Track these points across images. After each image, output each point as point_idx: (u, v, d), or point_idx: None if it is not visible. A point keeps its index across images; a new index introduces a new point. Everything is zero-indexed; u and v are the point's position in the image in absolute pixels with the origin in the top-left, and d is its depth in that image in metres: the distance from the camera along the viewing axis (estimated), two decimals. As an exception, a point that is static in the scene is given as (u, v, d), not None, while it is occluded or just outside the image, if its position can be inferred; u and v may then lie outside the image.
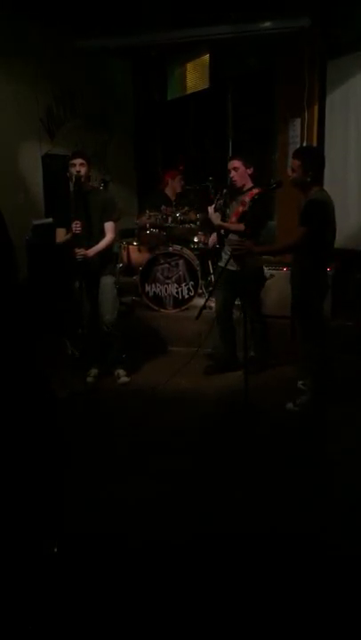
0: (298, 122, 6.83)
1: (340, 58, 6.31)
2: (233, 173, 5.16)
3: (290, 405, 4.63)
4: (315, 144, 6.50)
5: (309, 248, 4.35)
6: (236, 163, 5.16)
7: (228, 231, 5.26)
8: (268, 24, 6.26)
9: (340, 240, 5.92)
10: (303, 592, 2.67)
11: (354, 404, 4.60)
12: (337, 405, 4.58)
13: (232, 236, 5.20)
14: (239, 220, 5.12)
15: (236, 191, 5.24)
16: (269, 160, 7.68)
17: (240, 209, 5.14)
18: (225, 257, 5.27)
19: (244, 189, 5.18)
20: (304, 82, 6.61)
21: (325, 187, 6.27)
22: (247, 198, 5.10)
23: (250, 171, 5.19)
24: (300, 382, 4.77)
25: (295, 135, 6.90)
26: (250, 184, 5.19)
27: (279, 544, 3.03)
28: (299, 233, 4.34)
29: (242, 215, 5.12)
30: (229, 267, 5.05)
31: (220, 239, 5.41)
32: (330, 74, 6.47)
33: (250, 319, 5.10)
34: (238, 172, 5.15)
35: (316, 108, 6.60)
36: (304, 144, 6.65)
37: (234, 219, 5.17)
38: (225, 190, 5.33)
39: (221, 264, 5.35)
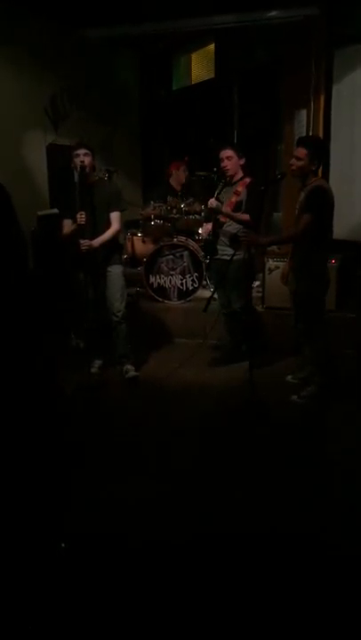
0: (304, 112, 6.77)
1: (346, 47, 6.22)
2: (226, 162, 5.09)
3: (294, 398, 4.67)
4: (321, 134, 6.44)
5: (312, 237, 4.34)
6: (228, 152, 5.09)
7: (222, 223, 5.21)
8: (273, 13, 6.18)
9: (345, 232, 5.90)
10: (303, 592, 2.67)
11: (355, 402, 4.58)
12: (339, 402, 4.59)
13: (227, 227, 5.17)
14: (234, 210, 5.08)
15: (228, 181, 5.17)
16: (275, 151, 7.62)
17: (234, 199, 5.09)
18: (220, 248, 5.25)
19: (236, 179, 5.13)
20: (310, 72, 6.53)
21: (331, 176, 6.24)
22: (240, 188, 5.08)
23: (242, 161, 5.14)
24: (289, 376, 4.99)
25: (301, 126, 6.84)
26: (241, 174, 5.14)
27: (279, 544, 3.03)
28: (303, 220, 4.33)
29: (237, 205, 5.08)
30: (222, 257, 5.06)
31: (215, 230, 5.34)
32: (336, 64, 6.39)
33: (230, 309, 5.17)
34: (232, 161, 5.08)
35: (322, 98, 6.52)
36: (310, 134, 6.59)
37: (228, 209, 5.12)
38: (223, 181, 5.23)
39: (217, 257, 5.34)
